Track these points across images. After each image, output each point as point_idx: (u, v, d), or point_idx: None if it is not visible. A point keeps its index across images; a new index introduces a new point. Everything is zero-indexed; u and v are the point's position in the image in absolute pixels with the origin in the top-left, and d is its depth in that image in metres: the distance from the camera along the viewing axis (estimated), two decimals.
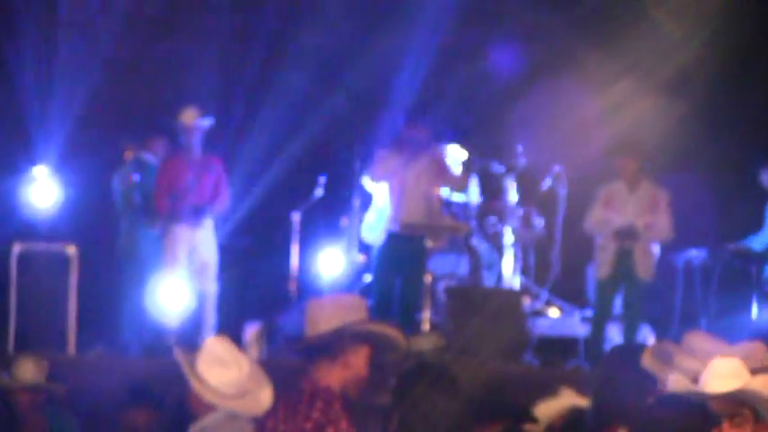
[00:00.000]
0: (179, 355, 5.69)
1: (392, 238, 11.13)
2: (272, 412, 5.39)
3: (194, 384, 5.51)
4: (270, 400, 5.62)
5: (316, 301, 5.53)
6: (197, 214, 10.84)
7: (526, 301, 11.77)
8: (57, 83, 12.46)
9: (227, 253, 11.50)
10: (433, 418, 5.26)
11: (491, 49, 13.97)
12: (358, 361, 5.24)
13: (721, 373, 5.32)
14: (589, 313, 11.65)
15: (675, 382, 5.09)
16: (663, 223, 10.91)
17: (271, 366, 7.17)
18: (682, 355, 5.60)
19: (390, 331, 5.46)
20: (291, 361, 9.16)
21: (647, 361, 5.60)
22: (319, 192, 12.28)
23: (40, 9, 12.91)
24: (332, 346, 5.23)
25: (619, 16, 13.30)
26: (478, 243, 12.29)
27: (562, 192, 12.19)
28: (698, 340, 5.72)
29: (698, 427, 4.71)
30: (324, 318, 5.32)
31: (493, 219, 12.41)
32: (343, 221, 12.41)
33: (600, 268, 11.04)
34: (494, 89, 13.40)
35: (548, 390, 6.31)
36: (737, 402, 5.04)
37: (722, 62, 12.86)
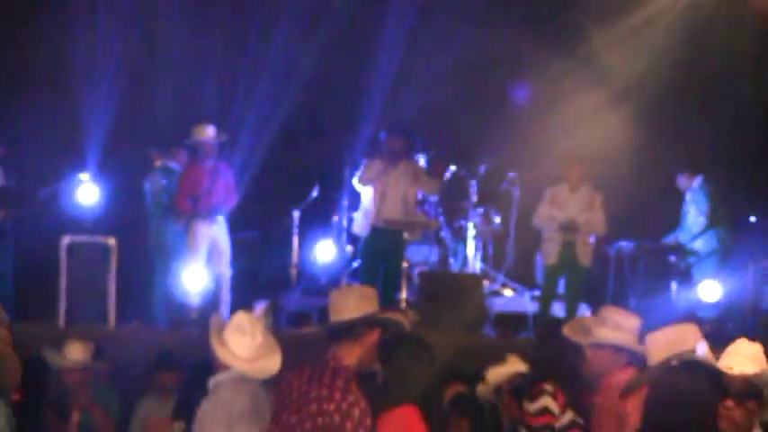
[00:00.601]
0: (214, 322, 5.90)
1: (376, 232, 11.14)
2: (298, 373, 5.51)
3: (214, 346, 5.72)
4: (278, 367, 5.79)
5: (338, 292, 5.84)
6: (213, 212, 10.86)
7: (485, 284, 11.88)
8: (96, 102, 12.34)
9: (240, 244, 11.55)
10: (413, 378, 5.52)
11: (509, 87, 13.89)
12: (372, 341, 5.48)
13: (744, 354, 5.53)
14: (537, 293, 11.74)
15: (703, 350, 5.05)
16: (598, 220, 10.97)
17: (282, 337, 7.52)
18: (597, 325, 5.95)
19: (400, 317, 5.84)
20: (296, 333, 10.42)
21: (566, 331, 6.10)
22: (315, 194, 12.40)
23: (87, 44, 12.67)
24: (354, 330, 5.46)
25: (578, 38, 13.16)
26: (446, 236, 12.46)
27: (516, 193, 12.36)
28: (610, 313, 5.98)
29: (710, 396, 4.73)
30: (346, 307, 5.56)
31: (459, 215, 12.61)
32: (335, 218, 12.63)
33: (547, 257, 11.12)
34: (460, 108, 13.20)
35: (503, 357, 6.88)
36: (748, 383, 5.19)
37: (656, 85, 12.78)
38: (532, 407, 5.98)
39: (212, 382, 5.80)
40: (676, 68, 12.75)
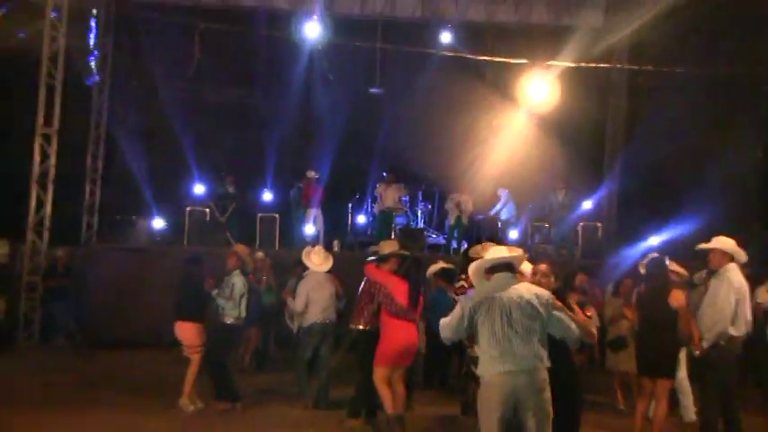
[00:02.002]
0: (306, 250, 6.27)
1: (382, 212, 11.57)
2: (364, 284, 5.37)
3: (305, 259, 6.12)
4: (329, 267, 5.92)
5: (383, 241, 5.91)
6: (315, 204, 11.08)
7: (425, 232, 11.84)
8: (270, 150, 11.51)
9: (327, 218, 11.46)
10: (413, 273, 5.54)
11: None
12: (395, 261, 5.50)
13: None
14: (445, 236, 11.77)
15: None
16: (470, 207, 11.37)
17: (345, 256, 8.84)
18: (484, 250, 5.17)
19: (407, 252, 5.79)
20: (353, 254, 10.20)
21: (471, 252, 5.58)
22: (356, 196, 12.42)
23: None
24: (389, 258, 5.48)
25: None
26: (410, 214, 12.39)
27: (436, 195, 12.53)
28: (489, 245, 5.29)
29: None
30: (386, 247, 5.60)
31: (414, 205, 12.54)
32: (366, 207, 12.37)
33: (450, 220, 11.42)
34: (415, 159, 11.68)
35: (432, 262, 7.13)
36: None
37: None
38: (456, 285, 5.65)
39: (305, 273, 6.15)
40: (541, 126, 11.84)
